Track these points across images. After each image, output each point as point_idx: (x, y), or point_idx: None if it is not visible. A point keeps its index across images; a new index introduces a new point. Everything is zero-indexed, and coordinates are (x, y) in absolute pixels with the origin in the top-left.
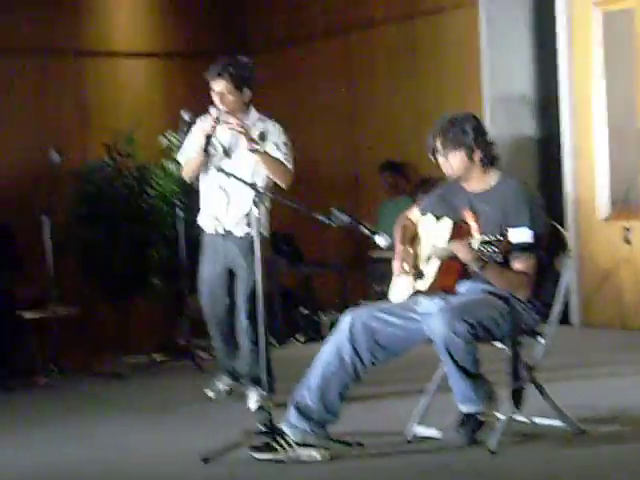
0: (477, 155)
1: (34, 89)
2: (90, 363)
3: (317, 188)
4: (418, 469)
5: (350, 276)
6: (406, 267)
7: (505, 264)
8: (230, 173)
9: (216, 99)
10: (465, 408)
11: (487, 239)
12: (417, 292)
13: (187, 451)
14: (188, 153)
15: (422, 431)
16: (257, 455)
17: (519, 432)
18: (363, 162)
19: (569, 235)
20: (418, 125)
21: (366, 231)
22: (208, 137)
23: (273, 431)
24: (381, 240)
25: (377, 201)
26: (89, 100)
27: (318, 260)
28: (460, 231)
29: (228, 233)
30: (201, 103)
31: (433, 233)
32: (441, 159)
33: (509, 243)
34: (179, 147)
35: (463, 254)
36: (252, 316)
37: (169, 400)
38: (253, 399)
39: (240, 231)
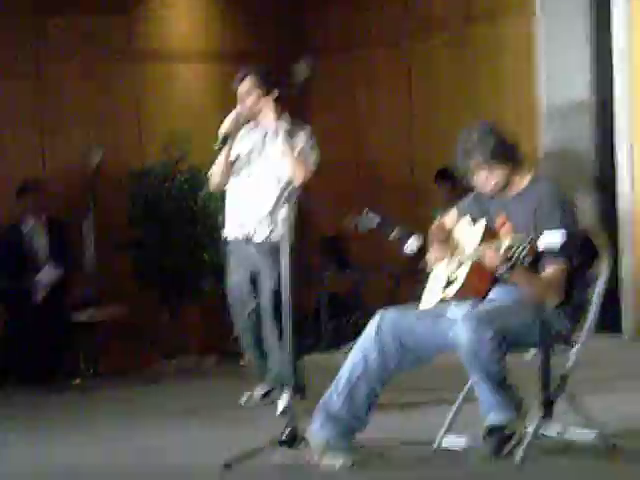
0: (511, 163)
1: (95, 90)
2: (135, 365)
3: (376, 191)
4: None
5: (405, 281)
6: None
7: (534, 269)
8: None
9: (240, 101)
10: (491, 418)
11: (514, 243)
12: (447, 297)
13: (208, 457)
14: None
15: (450, 441)
16: (276, 458)
17: (549, 445)
18: (422, 166)
19: (626, 239)
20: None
21: (397, 234)
22: (226, 136)
23: (296, 437)
24: (413, 243)
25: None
26: (147, 102)
27: (369, 264)
28: (492, 235)
29: (250, 238)
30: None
31: (467, 237)
32: (478, 179)
33: (536, 246)
34: None
35: (489, 258)
36: (277, 317)
37: (202, 404)
38: (281, 401)
39: (262, 234)
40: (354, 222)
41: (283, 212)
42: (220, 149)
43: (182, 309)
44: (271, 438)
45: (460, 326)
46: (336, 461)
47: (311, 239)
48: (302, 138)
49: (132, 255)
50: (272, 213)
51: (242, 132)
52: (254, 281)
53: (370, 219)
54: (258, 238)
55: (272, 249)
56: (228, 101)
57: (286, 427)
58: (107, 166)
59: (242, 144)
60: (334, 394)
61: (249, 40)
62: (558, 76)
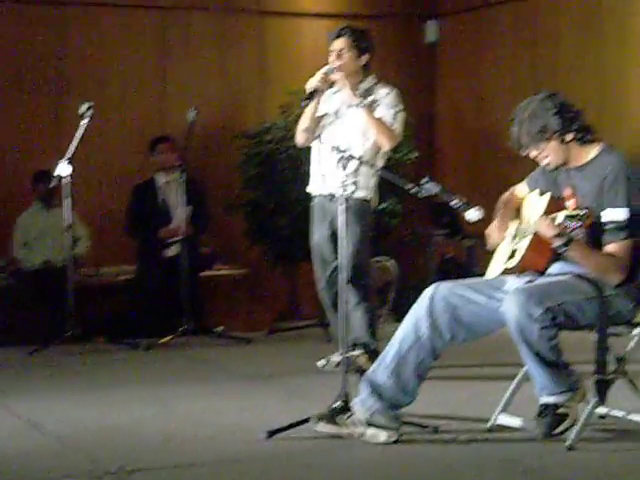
0: (569, 136)
1: (215, 49)
2: (251, 326)
3: (498, 157)
4: (482, 461)
5: None
6: (498, 238)
7: (597, 245)
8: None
9: (332, 57)
10: (543, 398)
11: (572, 213)
12: (507, 270)
13: (257, 423)
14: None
15: (506, 420)
16: (319, 429)
17: (606, 428)
18: None
19: None
20: (601, 94)
21: (457, 203)
22: (313, 92)
23: (344, 407)
24: (475, 214)
25: None
26: (270, 61)
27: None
28: (556, 207)
29: (334, 195)
30: (383, 66)
31: (533, 209)
32: (534, 153)
33: (592, 218)
34: None
35: (544, 230)
36: (354, 278)
37: (277, 368)
38: (335, 356)
39: (345, 192)
40: (414, 189)
41: (367, 173)
42: (306, 105)
43: (297, 270)
44: (320, 409)
45: (509, 301)
46: (380, 435)
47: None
48: (388, 102)
49: (247, 215)
50: (356, 173)
51: (329, 92)
52: (336, 240)
53: (429, 188)
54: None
55: (354, 208)
56: None
57: (338, 396)
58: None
59: (329, 103)
60: (381, 366)
61: (377, 2)
62: None
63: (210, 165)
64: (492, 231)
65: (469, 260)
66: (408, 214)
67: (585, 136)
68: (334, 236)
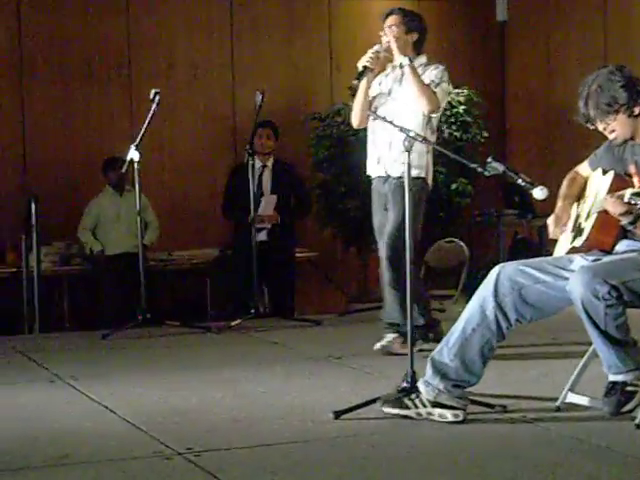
0: (637, 109)
1: (284, 32)
2: (322, 308)
3: (569, 135)
4: (550, 439)
5: None
6: (558, 226)
7: None
8: (381, 117)
9: (384, 33)
10: (611, 376)
11: (637, 191)
12: (573, 249)
13: (325, 404)
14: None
15: (574, 399)
16: (386, 409)
17: None
18: None
19: None
20: None
21: (522, 182)
22: (364, 70)
23: (411, 387)
24: (539, 193)
25: None
26: (339, 43)
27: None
28: (621, 184)
29: (389, 175)
30: (453, 46)
31: (598, 187)
32: (601, 126)
33: None
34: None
35: (612, 207)
36: (393, 259)
37: (346, 350)
38: (382, 341)
39: (397, 172)
40: (480, 169)
41: (420, 150)
42: (358, 83)
43: (369, 252)
44: (388, 390)
45: (574, 279)
46: (447, 414)
47: (492, 185)
48: (434, 73)
49: (318, 198)
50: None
51: (381, 75)
52: None
53: (494, 167)
54: (395, 174)
55: (403, 186)
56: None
57: (404, 377)
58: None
59: (382, 84)
60: (445, 347)
61: None
62: None
63: (281, 148)
64: (553, 220)
65: (540, 240)
66: (478, 194)
67: None
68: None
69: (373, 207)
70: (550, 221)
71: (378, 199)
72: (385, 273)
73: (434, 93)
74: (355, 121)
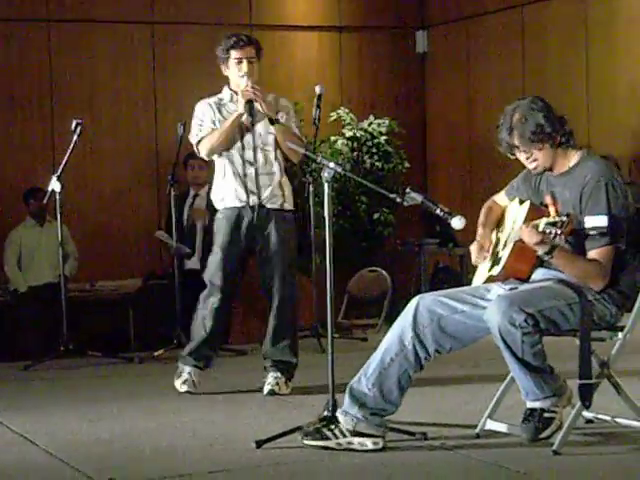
0: (559, 139)
1: (206, 63)
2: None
3: (490, 166)
4: (469, 466)
5: None
6: (481, 253)
7: (581, 251)
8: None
9: (245, 67)
10: (529, 403)
11: (552, 220)
12: (490, 277)
13: (248, 434)
14: (209, 129)
15: (493, 425)
16: (306, 441)
17: (593, 432)
18: None
19: None
20: (588, 100)
21: (440, 212)
22: (250, 102)
23: (330, 419)
24: (457, 222)
25: None
26: (261, 73)
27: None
28: (537, 214)
29: (259, 206)
30: (374, 77)
31: (514, 217)
32: (524, 156)
33: (573, 224)
34: (349, 123)
35: (528, 237)
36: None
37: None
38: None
39: (277, 202)
40: (398, 199)
41: (288, 184)
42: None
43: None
44: (310, 419)
45: (491, 308)
46: (367, 443)
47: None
48: (293, 116)
49: None
50: (280, 184)
51: (223, 103)
52: (248, 253)
53: (412, 197)
54: (270, 205)
55: (286, 220)
56: (342, 74)
57: (324, 408)
58: None
59: (228, 113)
60: (363, 377)
61: (368, 14)
62: None
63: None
64: (475, 248)
65: (462, 268)
66: (400, 224)
67: (570, 140)
68: (248, 249)
69: (223, 234)
70: (472, 248)
71: (235, 227)
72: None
73: (302, 141)
74: (214, 150)
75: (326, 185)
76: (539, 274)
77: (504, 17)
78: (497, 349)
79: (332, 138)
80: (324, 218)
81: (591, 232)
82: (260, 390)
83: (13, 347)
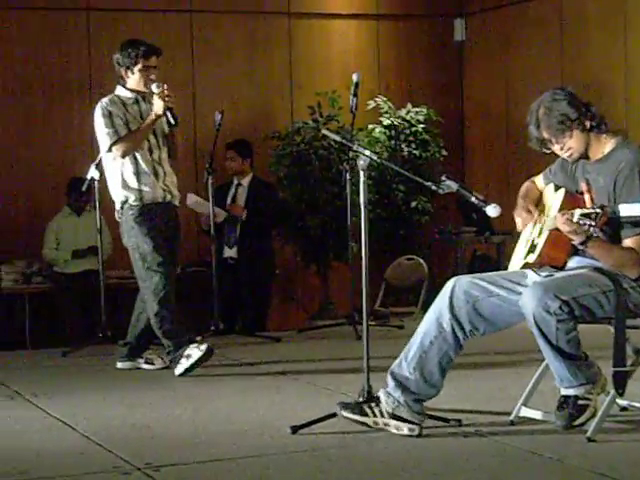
0: (588, 124)
1: (244, 52)
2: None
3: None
4: (503, 453)
5: None
6: (530, 214)
7: (616, 239)
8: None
9: (154, 76)
10: (563, 390)
11: (586, 211)
12: (527, 264)
13: (284, 419)
14: (123, 130)
15: (528, 412)
16: (344, 413)
17: (627, 419)
18: None
19: None
20: (627, 87)
21: (475, 200)
22: (169, 109)
23: (370, 398)
24: (492, 211)
25: None
26: (299, 62)
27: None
28: (572, 202)
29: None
30: (411, 65)
31: (551, 203)
32: (556, 147)
33: (607, 215)
34: (386, 111)
35: (562, 226)
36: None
37: (305, 366)
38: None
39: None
40: (434, 187)
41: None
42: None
43: (329, 269)
44: (341, 402)
45: (526, 295)
46: (403, 428)
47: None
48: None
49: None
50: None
51: (135, 103)
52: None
53: (448, 185)
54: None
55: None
56: (380, 62)
57: (362, 389)
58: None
59: (136, 113)
60: (404, 361)
61: (405, 2)
62: None
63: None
64: (518, 222)
65: (499, 256)
66: (437, 212)
67: (601, 124)
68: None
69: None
70: (517, 220)
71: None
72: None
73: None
74: (128, 152)
75: (361, 173)
76: (574, 262)
77: (542, 4)
78: (532, 335)
79: (370, 126)
80: (360, 206)
81: (626, 220)
82: (295, 376)
83: (53, 333)
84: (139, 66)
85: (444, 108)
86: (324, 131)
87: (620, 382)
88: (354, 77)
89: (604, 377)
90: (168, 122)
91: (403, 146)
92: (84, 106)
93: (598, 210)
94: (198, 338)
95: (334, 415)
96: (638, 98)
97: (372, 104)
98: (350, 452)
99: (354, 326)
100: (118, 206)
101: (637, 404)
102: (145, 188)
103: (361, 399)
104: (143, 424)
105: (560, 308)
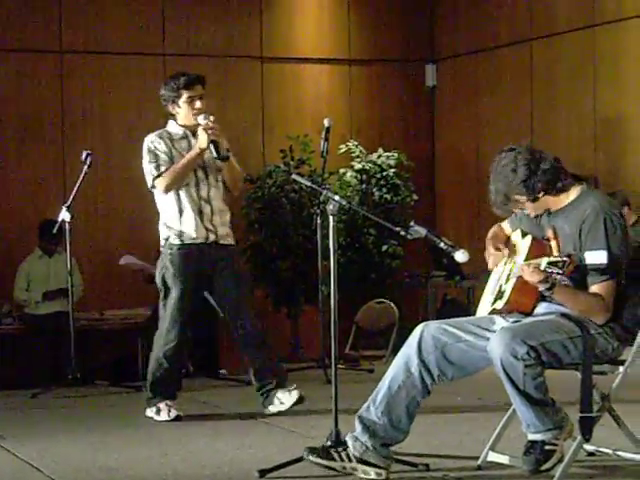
0: (540, 192)
1: (217, 95)
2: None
3: None
4: None
5: None
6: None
7: (580, 286)
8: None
9: (199, 104)
10: (530, 435)
11: (553, 260)
12: (494, 310)
13: (252, 462)
14: (166, 164)
15: (495, 457)
16: (311, 457)
17: (594, 465)
18: None
19: None
20: (596, 134)
21: (444, 245)
22: (213, 142)
23: (338, 442)
24: (460, 256)
25: None
26: (271, 106)
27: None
28: (539, 249)
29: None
30: (383, 110)
31: (517, 250)
32: (516, 209)
33: (574, 264)
34: (358, 155)
35: (529, 276)
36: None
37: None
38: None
39: (230, 239)
40: (402, 232)
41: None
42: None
43: (300, 312)
44: (309, 447)
45: (494, 340)
46: (371, 472)
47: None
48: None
49: (250, 258)
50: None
51: (182, 138)
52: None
53: (417, 230)
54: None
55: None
56: (352, 106)
57: (330, 433)
58: None
59: (182, 149)
60: (372, 405)
61: (376, 46)
62: None
63: None
64: (489, 261)
65: (469, 301)
66: (408, 256)
67: (556, 187)
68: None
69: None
70: (487, 254)
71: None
72: None
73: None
74: (169, 188)
75: (331, 218)
76: (542, 308)
77: (513, 51)
78: (499, 381)
79: (341, 170)
80: (330, 250)
81: (591, 267)
82: (264, 419)
83: (22, 375)
84: (183, 98)
85: (415, 153)
86: (294, 176)
87: (587, 427)
88: (325, 122)
89: (571, 422)
90: (214, 156)
91: (374, 190)
92: (57, 146)
93: (565, 258)
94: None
95: (302, 459)
96: (607, 145)
97: (344, 148)
98: None
99: (324, 369)
100: (162, 243)
101: (604, 449)
102: (185, 228)
103: (329, 443)
104: (111, 467)
105: (527, 354)
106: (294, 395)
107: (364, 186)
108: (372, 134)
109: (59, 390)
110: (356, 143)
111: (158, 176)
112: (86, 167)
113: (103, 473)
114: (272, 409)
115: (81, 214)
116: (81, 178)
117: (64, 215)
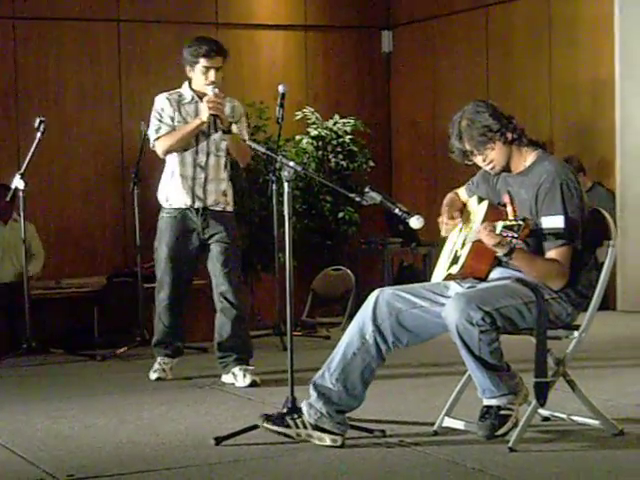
0: (510, 136)
1: (172, 61)
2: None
3: (454, 165)
4: (425, 463)
5: None
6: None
7: (539, 251)
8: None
9: (212, 75)
10: (485, 400)
11: (509, 223)
12: (450, 276)
13: (207, 430)
14: (168, 127)
15: (451, 423)
16: (266, 425)
17: (549, 429)
18: None
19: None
20: (551, 100)
21: (398, 211)
22: (214, 116)
23: (293, 409)
24: (415, 222)
25: None
26: (227, 71)
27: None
28: (495, 214)
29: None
30: (339, 76)
31: (473, 215)
32: (478, 159)
33: (530, 228)
34: (314, 122)
35: (485, 239)
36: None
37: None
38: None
39: (223, 206)
40: (357, 198)
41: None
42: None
43: (256, 279)
44: (263, 414)
45: (449, 306)
46: (326, 439)
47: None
48: (245, 121)
49: None
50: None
51: (189, 102)
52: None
53: (372, 197)
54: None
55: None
56: (308, 73)
57: (285, 400)
58: None
59: (187, 114)
60: (326, 372)
61: (333, 14)
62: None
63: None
64: (443, 228)
65: (425, 267)
66: (364, 223)
67: (522, 138)
68: (200, 248)
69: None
70: (440, 221)
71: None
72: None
73: (249, 148)
74: (172, 150)
75: (286, 184)
76: (497, 273)
77: (469, 17)
78: (455, 346)
79: (297, 137)
80: (285, 217)
81: (548, 232)
82: (220, 387)
83: None
84: (199, 65)
85: (372, 119)
86: (249, 142)
87: (541, 392)
88: (280, 88)
89: (526, 388)
90: (212, 130)
91: (330, 157)
92: (10, 113)
93: (520, 222)
94: (122, 349)
95: (257, 426)
96: (562, 110)
97: (300, 115)
98: (273, 464)
99: (280, 337)
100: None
101: (559, 414)
102: (171, 191)
103: (285, 410)
104: (67, 435)
105: (482, 319)
106: (247, 379)
107: (320, 153)
108: (328, 100)
109: (14, 360)
110: (312, 110)
111: (157, 139)
112: (39, 134)
113: (59, 442)
114: (225, 379)
115: (35, 181)
116: (34, 145)
117: (18, 182)
